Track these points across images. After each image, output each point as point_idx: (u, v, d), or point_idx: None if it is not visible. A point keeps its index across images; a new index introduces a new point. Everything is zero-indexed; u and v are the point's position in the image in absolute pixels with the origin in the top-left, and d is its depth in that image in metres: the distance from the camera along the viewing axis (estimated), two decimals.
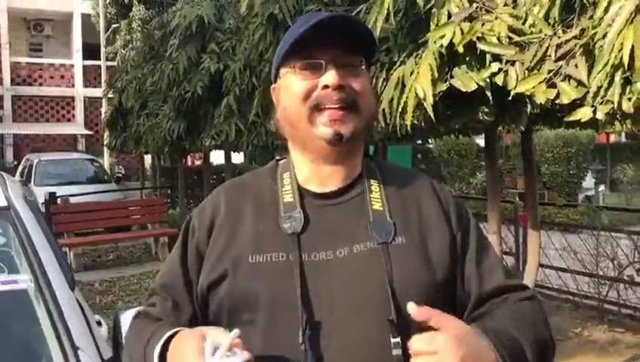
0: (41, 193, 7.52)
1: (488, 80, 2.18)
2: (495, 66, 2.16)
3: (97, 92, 18.59)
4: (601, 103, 1.89)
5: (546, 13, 2.10)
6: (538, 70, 2.05)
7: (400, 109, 2.34)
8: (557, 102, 2.01)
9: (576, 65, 1.95)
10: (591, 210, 6.80)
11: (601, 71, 1.85)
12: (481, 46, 2.15)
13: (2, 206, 1.93)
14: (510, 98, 2.13)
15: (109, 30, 17.92)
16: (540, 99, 2.01)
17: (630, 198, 11.99)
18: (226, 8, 6.31)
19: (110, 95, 11.97)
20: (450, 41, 2.19)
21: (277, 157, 1.16)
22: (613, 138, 16.55)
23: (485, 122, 2.54)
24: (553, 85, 2.00)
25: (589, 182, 12.72)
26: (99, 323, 1.86)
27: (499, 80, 2.15)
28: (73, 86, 20.86)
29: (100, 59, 18.70)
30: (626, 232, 5.48)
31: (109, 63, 17.83)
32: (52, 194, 7.92)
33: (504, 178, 11.90)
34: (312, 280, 0.98)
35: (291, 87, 1.04)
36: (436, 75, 2.22)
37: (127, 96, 8.51)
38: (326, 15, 1.01)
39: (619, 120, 2.05)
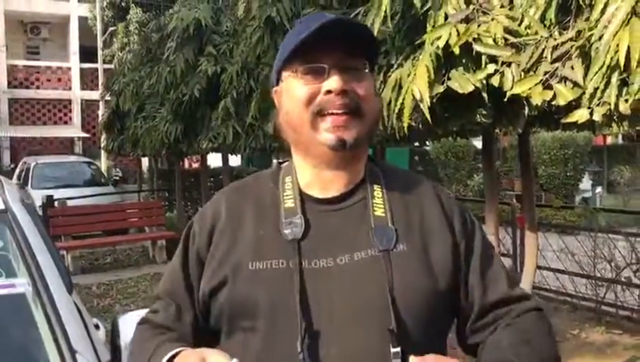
0: (38, 196, 7.49)
1: (484, 81, 2.18)
2: (491, 68, 2.17)
3: (94, 95, 18.58)
4: (598, 105, 1.89)
5: (542, 14, 2.10)
6: (534, 72, 2.05)
7: (397, 111, 2.34)
8: (553, 103, 2.01)
9: (572, 67, 1.95)
10: (588, 212, 6.81)
11: (597, 72, 1.86)
12: (477, 47, 2.16)
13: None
14: (507, 100, 2.13)
15: (106, 33, 17.91)
16: (537, 100, 2.01)
17: (627, 200, 12.01)
18: (223, 11, 6.32)
19: (107, 98, 11.98)
20: (447, 42, 2.19)
21: (279, 160, 1.15)
22: (609, 140, 16.60)
23: (483, 124, 2.54)
24: (549, 87, 2.01)
25: (586, 183, 12.73)
26: (97, 327, 1.85)
27: (495, 81, 2.15)
28: (70, 89, 20.83)
29: (97, 62, 18.70)
30: (623, 234, 5.48)
31: (107, 66, 17.83)
32: (49, 197, 7.91)
33: (501, 180, 11.92)
34: (312, 288, 0.96)
35: (293, 91, 1.02)
36: (433, 76, 2.22)
37: (125, 98, 8.51)
38: (328, 18, 0.99)
39: (616, 121, 2.05)
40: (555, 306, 5.41)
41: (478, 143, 11.09)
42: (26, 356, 1.61)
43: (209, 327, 1.06)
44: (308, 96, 1.00)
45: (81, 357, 1.47)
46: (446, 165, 13.75)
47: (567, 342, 4.54)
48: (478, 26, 2.18)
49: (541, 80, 2.01)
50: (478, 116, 2.42)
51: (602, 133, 12.08)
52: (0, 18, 19.76)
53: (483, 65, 2.19)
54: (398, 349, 0.92)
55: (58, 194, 8.63)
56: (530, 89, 2.03)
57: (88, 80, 20.86)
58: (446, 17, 2.29)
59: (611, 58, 1.78)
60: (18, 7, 20.06)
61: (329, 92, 0.99)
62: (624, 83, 1.81)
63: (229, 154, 7.46)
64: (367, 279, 0.97)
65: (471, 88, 2.18)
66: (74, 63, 20.95)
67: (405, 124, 2.33)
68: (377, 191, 1.06)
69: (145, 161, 14.03)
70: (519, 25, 2.16)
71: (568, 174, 12.33)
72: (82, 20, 20.20)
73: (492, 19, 2.18)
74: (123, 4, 17.44)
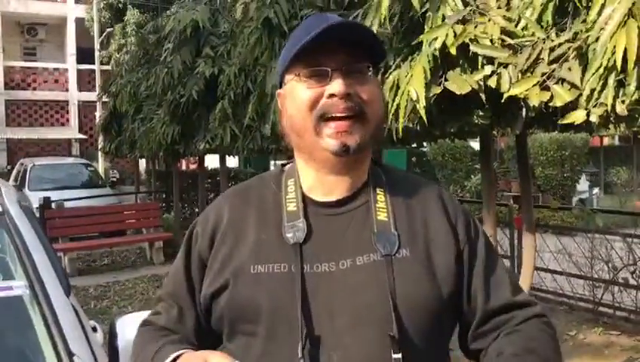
0: (35, 198, 7.48)
1: (482, 83, 2.18)
2: (488, 69, 2.17)
3: (92, 96, 18.57)
4: (595, 106, 1.89)
5: (539, 16, 2.11)
6: (531, 73, 2.05)
7: (394, 112, 2.35)
8: (550, 104, 2.02)
9: (569, 69, 1.96)
10: (585, 213, 6.82)
11: (594, 74, 1.86)
12: (473, 48, 2.16)
13: None
14: (505, 101, 2.13)
15: (104, 34, 17.90)
16: (534, 101, 2.01)
17: (624, 201, 12.03)
18: (220, 12, 6.32)
19: (105, 99, 11.97)
20: (444, 43, 2.20)
21: (282, 163, 1.14)
22: (606, 141, 16.64)
23: (481, 126, 2.55)
24: (547, 88, 2.01)
25: (583, 185, 12.76)
26: (94, 329, 1.85)
27: (492, 82, 2.15)
28: (67, 90, 20.81)
29: (94, 64, 18.69)
30: (620, 235, 5.49)
31: (104, 67, 17.83)
32: (46, 199, 7.89)
33: (498, 181, 11.93)
34: (314, 293, 0.96)
35: (297, 95, 1.01)
36: (429, 77, 2.22)
37: (122, 100, 8.50)
38: (333, 21, 0.98)
39: (613, 122, 2.06)
40: (552, 307, 5.42)
41: (475, 145, 11.10)
42: (24, 358, 1.60)
43: (211, 329, 1.06)
44: (311, 99, 0.99)
45: (79, 359, 1.47)
46: (443, 166, 13.76)
47: (564, 343, 4.54)
48: (475, 27, 2.18)
49: (538, 81, 2.02)
50: (475, 117, 2.43)
51: (599, 134, 12.12)
52: None
53: (480, 67, 2.19)
54: (399, 355, 0.91)
55: (55, 195, 8.62)
56: (527, 90, 2.03)
57: (85, 81, 20.84)
58: (444, 19, 2.30)
59: (608, 59, 1.79)
60: (15, 8, 20.04)
61: (332, 95, 0.98)
62: (621, 84, 1.82)
63: (227, 156, 7.46)
64: (369, 284, 0.97)
65: (468, 89, 2.19)
66: (71, 65, 20.95)
67: (400, 126, 2.33)
68: (380, 194, 1.05)
69: (142, 163, 14.02)
70: (516, 26, 2.16)
71: (565, 175, 12.36)
72: (79, 22, 20.21)
73: (489, 21, 2.18)
74: (120, 5, 17.43)
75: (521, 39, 2.12)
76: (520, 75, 2.07)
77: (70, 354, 1.46)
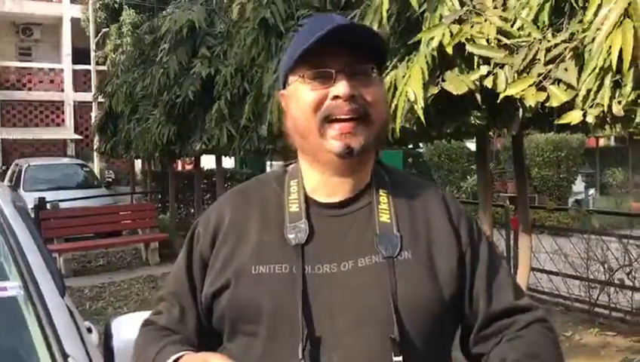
0: (30, 198, 7.46)
1: (478, 83, 2.18)
2: (484, 69, 2.17)
3: (87, 96, 18.52)
4: (591, 107, 1.90)
5: (535, 16, 2.11)
6: (527, 73, 2.06)
7: (391, 113, 2.34)
8: (547, 105, 2.02)
9: (565, 69, 1.96)
10: (581, 214, 6.84)
11: (590, 74, 1.86)
12: (469, 48, 2.16)
13: None
14: (501, 102, 2.13)
15: (99, 34, 17.85)
16: (530, 102, 2.02)
17: (620, 202, 12.08)
18: (217, 13, 6.31)
19: (100, 99, 11.94)
20: (441, 43, 2.19)
21: (285, 163, 1.14)
22: (602, 142, 16.69)
23: (478, 126, 2.55)
24: (543, 88, 2.01)
25: (579, 185, 12.80)
26: (89, 330, 1.84)
27: (488, 83, 2.15)
28: (63, 90, 20.74)
29: (89, 64, 18.63)
30: (616, 236, 5.51)
31: (99, 68, 17.78)
32: (41, 200, 7.86)
33: (494, 182, 11.95)
34: (315, 294, 0.96)
35: (301, 97, 1.01)
36: (427, 78, 2.22)
37: (118, 100, 8.48)
38: (337, 23, 0.98)
39: (609, 123, 2.06)
40: (548, 308, 5.43)
41: (471, 145, 11.12)
42: (18, 360, 1.59)
43: (213, 329, 1.06)
44: (315, 101, 0.99)
45: (74, 360, 1.46)
46: (439, 167, 13.78)
47: (560, 344, 4.54)
48: (472, 26, 2.18)
49: (535, 82, 2.02)
50: (472, 118, 2.43)
51: (595, 135, 12.16)
52: None
53: (476, 67, 2.19)
54: (400, 358, 0.91)
55: (50, 196, 8.58)
56: (523, 90, 2.03)
57: (81, 82, 20.78)
58: (441, 19, 2.30)
59: (604, 60, 1.79)
60: (10, 8, 19.97)
61: (337, 97, 0.98)
62: (617, 85, 1.82)
63: (223, 156, 7.44)
64: (371, 286, 0.96)
65: (465, 90, 2.19)
66: (66, 65, 20.87)
67: (397, 127, 2.33)
68: (383, 196, 1.04)
69: (138, 163, 13.98)
70: (512, 26, 2.16)
71: (561, 176, 12.38)
72: (75, 22, 20.14)
73: (485, 20, 2.18)
74: (116, 5, 17.39)
75: (517, 39, 2.12)
76: (516, 75, 2.08)
77: (65, 356, 1.45)
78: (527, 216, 4.02)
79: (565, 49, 1.97)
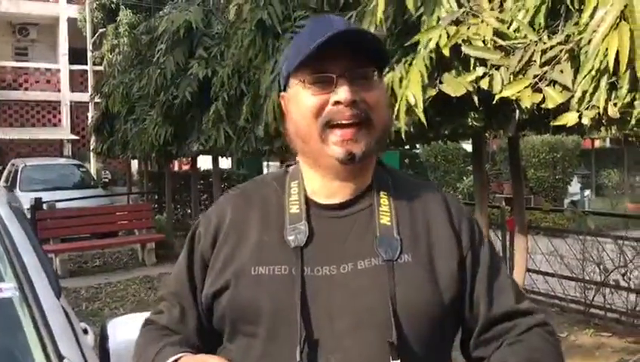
0: (26, 199, 7.43)
1: (475, 84, 2.19)
2: (480, 70, 2.17)
3: (84, 97, 18.47)
4: (587, 108, 1.90)
5: (532, 18, 2.12)
6: (523, 75, 2.06)
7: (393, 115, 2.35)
8: (543, 106, 2.02)
9: (561, 71, 1.97)
10: (577, 215, 6.86)
11: (586, 76, 1.87)
12: (465, 49, 2.16)
13: None
14: (498, 103, 2.14)
15: (96, 35, 17.82)
16: (526, 103, 2.02)
17: (615, 203, 12.11)
18: (214, 14, 6.31)
19: (97, 100, 11.92)
20: (438, 45, 2.20)
21: (287, 163, 1.14)
22: (598, 143, 16.73)
23: (474, 128, 2.55)
24: (539, 90, 2.02)
25: (574, 187, 12.84)
26: (85, 331, 1.83)
27: (484, 84, 2.15)
28: (59, 90, 20.69)
29: (86, 64, 18.59)
30: (611, 237, 5.52)
31: (96, 68, 17.74)
32: (38, 200, 7.84)
33: (490, 183, 11.97)
34: (314, 296, 0.96)
35: (301, 101, 1.00)
36: (426, 80, 2.22)
37: (114, 101, 8.47)
38: (338, 29, 0.97)
39: (604, 125, 2.06)
40: (544, 309, 5.44)
41: (467, 146, 11.14)
42: (13, 361, 1.59)
43: (213, 329, 1.06)
44: (316, 106, 0.98)
45: None
46: (436, 168, 13.80)
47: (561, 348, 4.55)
48: (468, 28, 2.19)
49: (530, 83, 2.02)
50: (469, 120, 2.43)
51: (591, 136, 12.19)
52: None
53: (472, 68, 2.20)
54: (398, 361, 0.91)
55: (46, 196, 8.56)
56: (519, 92, 2.04)
57: (77, 82, 20.73)
58: (439, 21, 2.30)
59: (600, 62, 1.79)
60: (7, 8, 19.91)
61: (338, 103, 0.97)
62: (613, 87, 1.82)
63: (220, 157, 7.44)
64: (370, 289, 0.96)
65: (463, 91, 2.19)
66: (63, 65, 20.83)
67: (403, 130, 2.32)
68: (384, 198, 1.04)
69: (134, 164, 13.97)
70: (508, 28, 2.17)
71: (557, 177, 12.42)
72: (71, 22, 20.09)
73: (482, 22, 2.19)
74: (113, 5, 17.36)
75: (513, 41, 2.13)
76: (512, 76, 2.08)
77: (60, 357, 1.45)
78: (523, 217, 4.03)
79: (561, 51, 1.97)
